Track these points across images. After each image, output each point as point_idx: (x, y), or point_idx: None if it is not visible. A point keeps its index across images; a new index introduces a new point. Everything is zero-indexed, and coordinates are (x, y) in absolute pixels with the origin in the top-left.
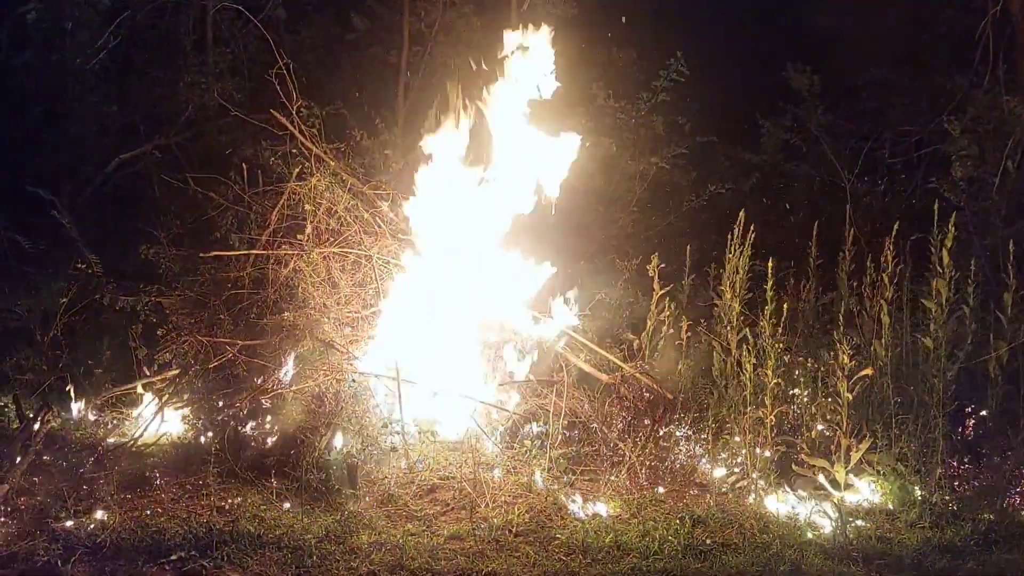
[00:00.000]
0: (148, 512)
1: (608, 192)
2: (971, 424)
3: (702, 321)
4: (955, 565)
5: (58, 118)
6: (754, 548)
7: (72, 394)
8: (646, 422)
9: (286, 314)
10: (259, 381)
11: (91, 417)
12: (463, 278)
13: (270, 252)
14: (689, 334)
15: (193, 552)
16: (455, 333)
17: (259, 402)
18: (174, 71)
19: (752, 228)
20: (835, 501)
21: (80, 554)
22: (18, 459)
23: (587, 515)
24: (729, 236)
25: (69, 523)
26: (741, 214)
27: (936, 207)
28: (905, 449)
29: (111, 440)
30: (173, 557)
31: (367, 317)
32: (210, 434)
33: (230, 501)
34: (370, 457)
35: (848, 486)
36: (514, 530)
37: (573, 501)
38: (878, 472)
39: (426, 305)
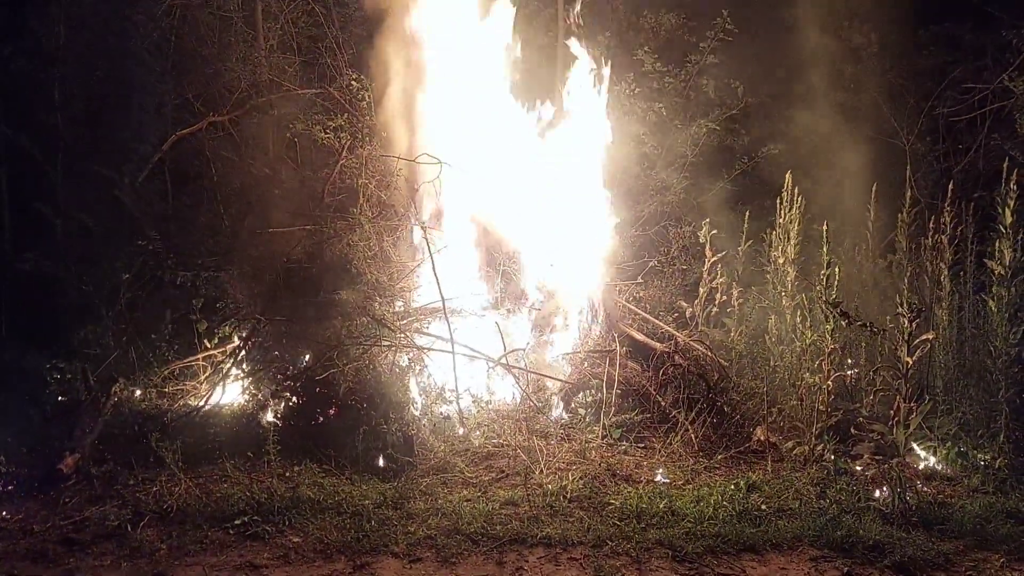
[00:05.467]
0: (212, 479)
1: (660, 157)
2: None
3: (752, 288)
4: (1020, 531)
5: (117, 99)
6: (811, 513)
7: (137, 366)
8: (700, 389)
9: (341, 292)
10: (316, 354)
11: (155, 389)
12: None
13: (324, 227)
14: (742, 300)
15: (256, 517)
16: (509, 302)
17: (317, 373)
18: (225, 48)
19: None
20: (894, 466)
21: (148, 519)
22: (88, 429)
23: (641, 481)
24: (778, 200)
25: (137, 490)
26: (788, 176)
27: (1003, 166)
28: (967, 414)
29: (175, 410)
30: (237, 522)
31: (419, 289)
32: (270, 404)
33: (290, 469)
34: (426, 426)
35: (908, 451)
36: (568, 496)
37: (627, 468)
38: (938, 437)
39: (480, 274)
